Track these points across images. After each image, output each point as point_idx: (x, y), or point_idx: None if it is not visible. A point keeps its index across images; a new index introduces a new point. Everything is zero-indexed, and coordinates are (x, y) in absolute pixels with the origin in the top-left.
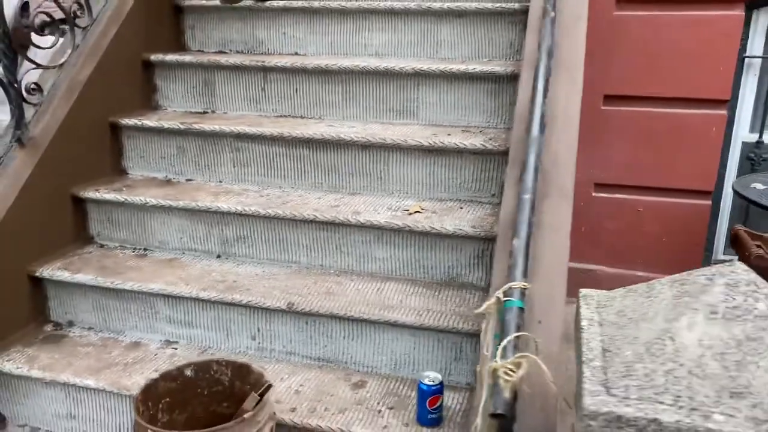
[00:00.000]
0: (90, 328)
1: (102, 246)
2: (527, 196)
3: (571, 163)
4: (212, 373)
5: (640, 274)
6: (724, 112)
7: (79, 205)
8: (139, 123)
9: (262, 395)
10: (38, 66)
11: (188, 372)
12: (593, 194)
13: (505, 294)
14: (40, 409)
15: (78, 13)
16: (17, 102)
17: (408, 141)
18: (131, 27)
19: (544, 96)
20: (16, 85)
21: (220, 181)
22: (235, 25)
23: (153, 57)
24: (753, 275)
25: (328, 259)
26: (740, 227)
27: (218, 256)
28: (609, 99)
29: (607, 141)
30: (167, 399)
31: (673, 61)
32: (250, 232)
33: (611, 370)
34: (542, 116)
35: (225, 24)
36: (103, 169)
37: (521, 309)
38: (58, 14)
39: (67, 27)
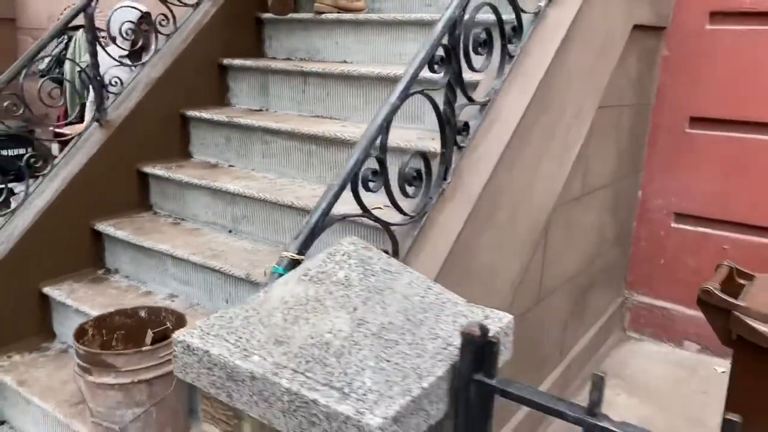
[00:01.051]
0: (126, 276)
1: (155, 213)
2: (335, 182)
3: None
4: (161, 318)
5: None
6: None
7: (144, 178)
8: (198, 115)
9: (166, 337)
10: (121, 63)
11: (142, 313)
12: (672, 225)
13: (278, 260)
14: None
15: (162, 22)
16: (98, 91)
17: (400, 144)
18: (209, 35)
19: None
20: (99, 77)
21: (253, 169)
22: (300, 36)
23: (225, 61)
24: (362, 250)
25: None
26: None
27: (230, 231)
28: (696, 121)
29: (692, 167)
30: (122, 332)
31: None
32: (251, 213)
33: (216, 316)
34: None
35: (293, 35)
36: (170, 151)
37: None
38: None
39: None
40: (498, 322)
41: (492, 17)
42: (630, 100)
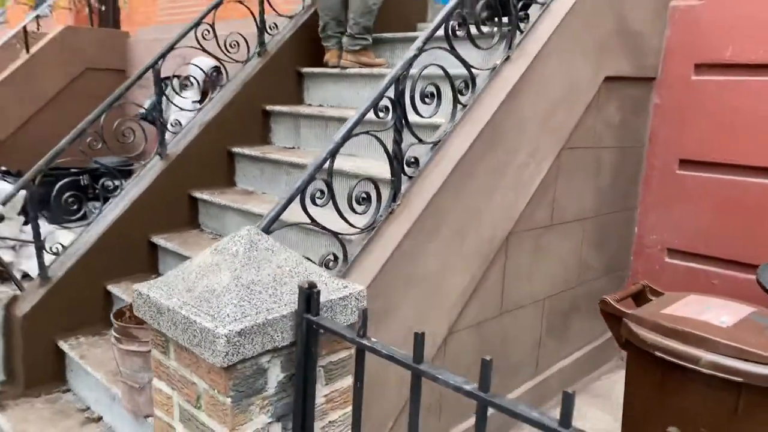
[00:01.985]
0: None
1: (201, 230)
2: (284, 197)
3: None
4: None
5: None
6: None
7: (194, 202)
8: (241, 151)
9: None
10: (181, 109)
11: None
12: (666, 259)
13: None
14: None
15: (215, 76)
16: (161, 130)
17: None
18: (256, 86)
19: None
20: (161, 119)
21: (278, 195)
22: (330, 87)
23: (268, 107)
24: (254, 235)
25: None
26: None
27: None
28: (685, 163)
29: (683, 206)
30: None
31: (756, 129)
32: None
33: (162, 276)
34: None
35: (325, 86)
36: (218, 180)
37: None
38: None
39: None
40: (346, 290)
41: (454, 71)
42: (612, 143)
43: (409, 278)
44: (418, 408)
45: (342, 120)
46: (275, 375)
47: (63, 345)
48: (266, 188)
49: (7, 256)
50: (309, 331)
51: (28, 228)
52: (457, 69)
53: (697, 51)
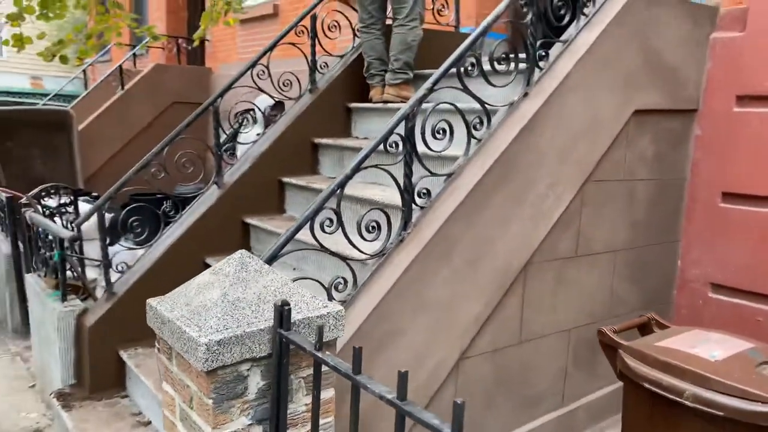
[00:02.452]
0: None
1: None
2: (293, 226)
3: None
4: None
5: None
6: None
7: (246, 227)
8: (290, 181)
9: None
10: (239, 143)
11: None
12: (710, 294)
13: None
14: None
15: (272, 113)
16: (218, 161)
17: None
18: (306, 120)
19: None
20: (219, 152)
21: None
22: (374, 120)
23: (316, 140)
24: (246, 258)
25: None
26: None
27: (294, 269)
28: (728, 196)
29: (726, 240)
30: None
31: None
32: (308, 255)
33: (170, 293)
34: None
35: (370, 119)
36: (270, 208)
37: None
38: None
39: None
40: (325, 309)
41: (468, 105)
42: (647, 175)
43: (417, 303)
44: (357, 415)
45: (382, 152)
46: (255, 382)
47: (123, 354)
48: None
49: (93, 273)
50: (281, 344)
51: (112, 248)
52: (474, 104)
53: (739, 82)
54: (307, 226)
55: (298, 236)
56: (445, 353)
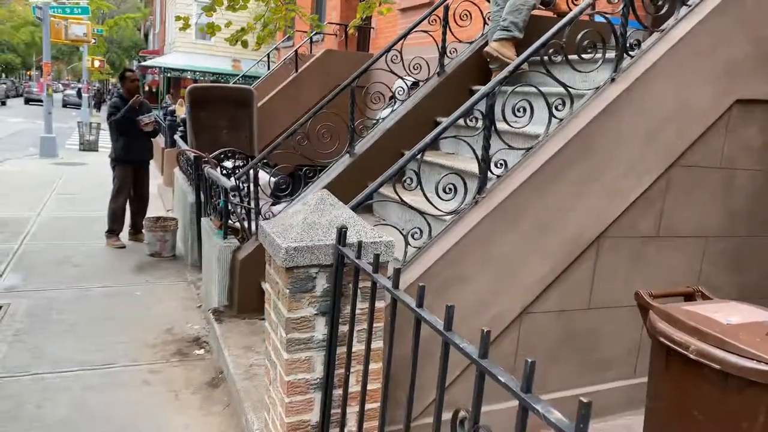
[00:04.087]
0: None
1: (373, 215)
2: (379, 180)
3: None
4: None
5: None
6: None
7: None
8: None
9: None
10: (371, 119)
11: None
12: None
13: None
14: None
15: (398, 93)
16: (351, 133)
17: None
18: (431, 101)
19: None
20: (352, 126)
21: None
22: None
23: (438, 119)
24: (325, 195)
25: None
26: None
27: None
28: None
29: None
30: None
31: None
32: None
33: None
34: None
35: None
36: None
37: None
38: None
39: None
40: (379, 238)
41: (554, 89)
42: (751, 166)
43: (484, 256)
44: (394, 317)
45: (500, 131)
46: (322, 283)
47: (264, 285)
48: (426, 185)
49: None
50: (338, 256)
51: (275, 207)
52: (560, 88)
53: None
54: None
55: (390, 193)
56: (507, 305)
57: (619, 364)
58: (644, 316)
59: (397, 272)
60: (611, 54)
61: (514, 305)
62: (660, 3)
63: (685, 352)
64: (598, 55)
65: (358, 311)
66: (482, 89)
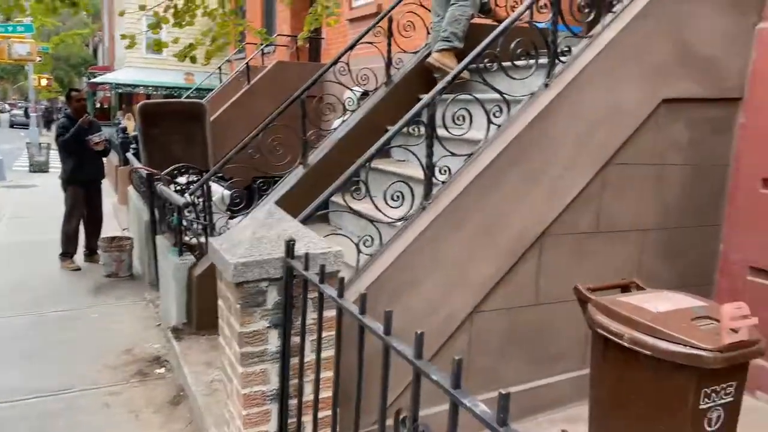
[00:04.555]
0: None
1: (328, 224)
2: (327, 191)
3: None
4: None
5: None
6: None
7: (325, 202)
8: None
9: None
10: (323, 131)
11: None
12: (748, 278)
13: None
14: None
15: (348, 104)
16: (303, 145)
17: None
18: (380, 110)
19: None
20: (304, 137)
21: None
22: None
23: (388, 127)
24: (273, 209)
25: None
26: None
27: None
28: None
29: (766, 225)
30: None
31: None
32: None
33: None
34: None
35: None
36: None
37: None
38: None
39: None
40: (327, 249)
41: (492, 96)
42: (681, 161)
43: (432, 260)
44: (340, 326)
45: (442, 138)
46: (272, 296)
47: None
48: (376, 192)
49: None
50: (287, 268)
51: (232, 221)
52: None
53: None
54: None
55: (339, 201)
56: (457, 306)
57: (567, 356)
58: (584, 309)
59: (341, 281)
60: (545, 60)
61: (464, 305)
62: (587, 11)
63: (620, 341)
64: (533, 61)
65: (309, 322)
66: (423, 99)
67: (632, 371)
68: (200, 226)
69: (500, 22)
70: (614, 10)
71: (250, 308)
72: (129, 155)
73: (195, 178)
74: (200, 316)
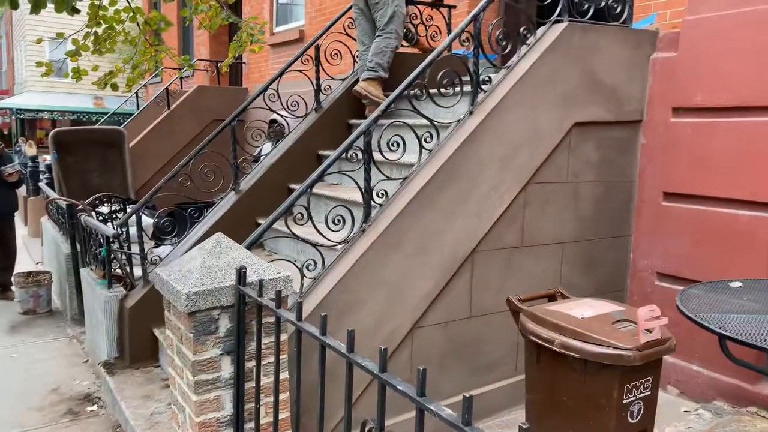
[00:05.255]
0: None
1: (263, 249)
2: (269, 218)
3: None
4: None
5: (695, 368)
6: None
7: (258, 226)
8: (295, 187)
9: None
10: (252, 156)
11: None
12: (656, 283)
13: None
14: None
15: (281, 129)
16: (235, 171)
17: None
18: (311, 135)
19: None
20: (235, 163)
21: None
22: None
23: (320, 152)
24: (221, 238)
25: None
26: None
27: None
28: (669, 196)
29: (668, 234)
30: None
31: (723, 164)
32: (303, 247)
33: (172, 262)
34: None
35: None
36: None
37: None
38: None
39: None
40: (277, 274)
41: (423, 121)
42: (593, 178)
43: (374, 280)
44: (279, 343)
45: (379, 162)
46: (225, 324)
47: (156, 332)
48: (315, 216)
49: (139, 271)
50: (240, 295)
51: (158, 250)
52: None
53: (673, 97)
54: (284, 218)
55: (282, 227)
56: (399, 322)
57: (501, 365)
58: (516, 319)
59: (300, 306)
60: (469, 88)
61: (405, 321)
62: (504, 43)
63: (551, 347)
64: (458, 89)
65: (262, 346)
66: (359, 128)
67: (563, 373)
68: (125, 257)
69: (423, 51)
70: (528, 42)
71: (203, 336)
72: (42, 185)
73: (117, 207)
74: (133, 349)
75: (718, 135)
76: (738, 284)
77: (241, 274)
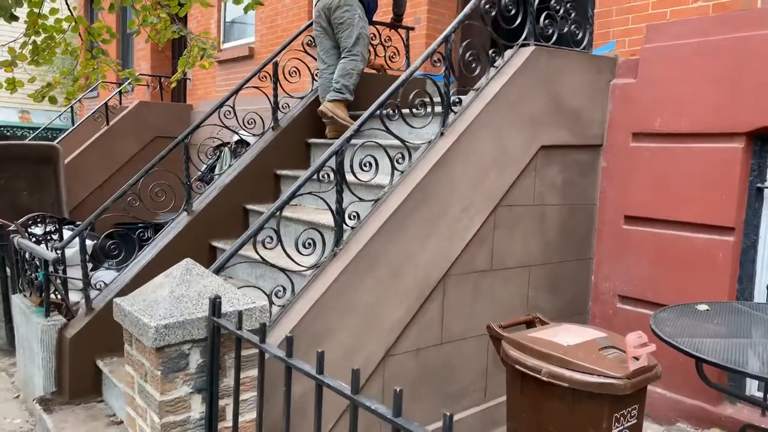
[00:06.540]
0: None
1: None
2: (237, 242)
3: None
4: None
5: (659, 391)
6: (731, 238)
7: (213, 250)
8: (252, 207)
9: None
10: (202, 173)
11: None
12: (618, 305)
13: None
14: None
15: (237, 147)
16: (187, 190)
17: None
18: (269, 154)
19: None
20: (188, 183)
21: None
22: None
23: (278, 171)
24: (191, 265)
25: None
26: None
27: (255, 282)
28: (629, 219)
29: (629, 257)
30: None
31: (680, 188)
32: (263, 271)
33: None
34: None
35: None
36: (235, 232)
37: None
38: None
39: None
40: (252, 304)
41: (395, 142)
42: (558, 201)
43: (346, 307)
44: (262, 371)
45: (350, 183)
46: (195, 359)
47: (100, 363)
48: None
49: (76, 296)
50: (214, 327)
51: (99, 274)
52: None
53: (633, 122)
54: (251, 242)
55: (249, 253)
56: (372, 350)
57: (472, 391)
58: (497, 347)
59: (290, 340)
60: (440, 108)
61: (378, 349)
62: (473, 66)
63: (538, 375)
64: (429, 109)
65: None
66: (332, 147)
67: (550, 402)
68: (62, 282)
69: (376, 69)
70: (496, 65)
71: (172, 374)
72: None
73: (52, 228)
74: (74, 383)
75: (676, 160)
76: (705, 307)
77: (216, 304)
